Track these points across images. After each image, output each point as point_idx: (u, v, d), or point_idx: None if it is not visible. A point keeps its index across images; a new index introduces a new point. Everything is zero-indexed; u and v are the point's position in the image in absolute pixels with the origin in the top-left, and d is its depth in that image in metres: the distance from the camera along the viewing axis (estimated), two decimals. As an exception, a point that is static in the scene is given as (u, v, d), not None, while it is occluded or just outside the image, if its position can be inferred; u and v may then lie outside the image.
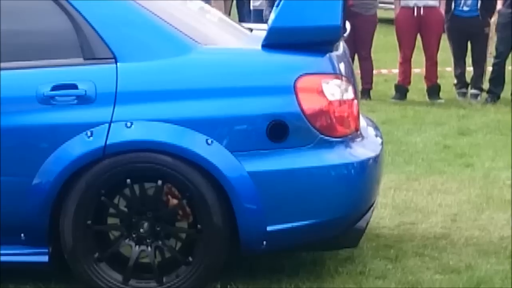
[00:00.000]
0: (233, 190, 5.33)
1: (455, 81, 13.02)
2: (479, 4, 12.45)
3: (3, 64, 5.40)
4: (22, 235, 5.41)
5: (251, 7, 15.17)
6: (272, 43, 5.52)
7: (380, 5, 13.40)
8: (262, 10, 13.64)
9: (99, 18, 5.49)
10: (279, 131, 5.37)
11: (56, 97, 5.34)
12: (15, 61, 5.46)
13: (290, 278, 5.71)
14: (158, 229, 5.47)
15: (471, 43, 12.81)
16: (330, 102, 5.42)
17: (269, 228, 5.38)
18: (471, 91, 12.87)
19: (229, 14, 15.62)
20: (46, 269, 5.53)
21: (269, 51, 5.54)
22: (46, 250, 5.45)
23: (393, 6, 13.21)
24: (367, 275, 5.83)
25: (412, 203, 7.56)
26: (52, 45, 5.51)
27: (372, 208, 5.94)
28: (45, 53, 5.49)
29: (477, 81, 12.85)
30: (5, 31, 5.51)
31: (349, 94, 5.58)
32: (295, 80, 5.38)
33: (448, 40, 12.96)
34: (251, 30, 6.67)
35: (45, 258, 5.45)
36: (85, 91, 5.33)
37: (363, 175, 5.65)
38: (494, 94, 12.60)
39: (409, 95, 12.85)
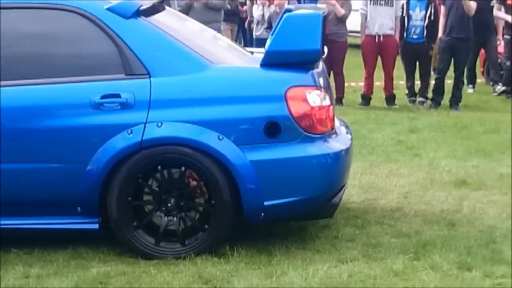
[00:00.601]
0: (239, 174, 5.45)
1: (407, 91, 12.81)
2: (424, 33, 12.48)
3: (65, 79, 5.57)
4: (79, 208, 5.55)
5: (254, 36, 15.12)
6: (268, 62, 5.66)
7: (350, 34, 13.29)
8: (262, 39, 13.62)
9: (136, 43, 5.60)
10: (273, 130, 5.49)
11: (104, 104, 5.48)
12: (74, 76, 5.59)
13: (281, 241, 5.81)
14: (181, 204, 5.58)
15: (419, 62, 12.78)
16: (312, 108, 5.54)
17: (266, 203, 5.50)
18: (419, 99, 12.67)
19: (236, 41, 15.57)
20: (96, 235, 5.66)
21: (266, 69, 5.68)
22: (97, 220, 5.59)
23: (359, 35, 13.14)
24: (340, 239, 5.94)
25: (374, 184, 7.61)
26: (102, 64, 5.63)
27: (344, 188, 6.04)
28: (96, 70, 5.60)
29: (423, 92, 12.68)
30: (66, 53, 5.72)
31: (327, 101, 5.69)
32: (286, 91, 5.50)
33: (401, 60, 12.80)
34: (252, 53, 6.74)
35: (96, 226, 5.59)
36: (127, 99, 5.48)
37: (337, 163, 5.75)
38: (436, 101, 12.46)
39: (372, 102, 12.73)
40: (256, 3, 15.07)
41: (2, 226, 5.61)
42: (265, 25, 13.93)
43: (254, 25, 15.03)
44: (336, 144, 5.83)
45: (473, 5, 12.51)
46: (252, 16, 15.74)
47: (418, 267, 5.36)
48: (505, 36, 13.20)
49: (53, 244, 5.70)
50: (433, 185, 7.63)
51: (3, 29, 5.68)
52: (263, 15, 14.26)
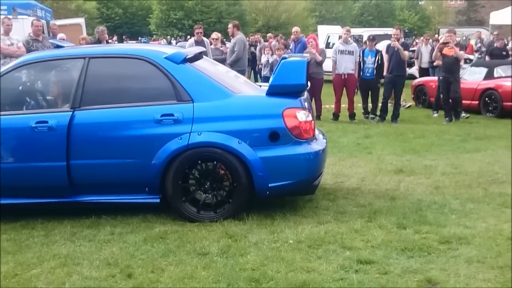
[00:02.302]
0: (252, 166, 5.45)
1: (362, 111, 12.86)
2: (374, 72, 12.40)
3: (137, 104, 5.59)
4: (147, 189, 5.58)
5: (261, 75, 15.16)
6: (272, 92, 5.65)
7: (325, 73, 13.20)
8: (267, 77, 13.65)
9: (184, 80, 5.61)
10: (274, 136, 5.48)
11: (163, 120, 5.49)
12: (143, 102, 5.60)
13: (280, 210, 5.80)
14: (214, 185, 5.59)
15: (370, 91, 12.72)
16: (300, 122, 5.54)
17: (270, 185, 5.50)
18: (371, 115, 12.68)
19: (249, 78, 15.58)
20: (158, 206, 5.65)
21: (270, 96, 5.66)
22: (158, 196, 5.61)
23: (331, 73, 13.06)
24: (319, 208, 5.92)
25: (341, 172, 7.54)
26: (161, 94, 5.61)
27: (321, 174, 6.00)
28: (158, 98, 5.60)
29: (373, 111, 12.65)
30: (138, 87, 5.73)
31: (309, 118, 5.67)
32: (283, 111, 5.50)
33: (359, 90, 12.85)
34: (260, 86, 6.65)
35: (157, 200, 5.61)
36: (178, 117, 5.48)
37: (317, 158, 5.71)
38: (382, 117, 12.42)
39: (339, 118, 12.73)
40: (264, 54, 15.13)
41: (98, 200, 5.68)
42: (269, 68, 13.98)
43: (262, 68, 15.11)
44: (316, 145, 5.78)
45: (406, 53, 12.51)
46: (260, 62, 15.81)
47: (370, 227, 5.35)
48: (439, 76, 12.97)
49: (129, 212, 5.72)
50: (380, 172, 7.56)
51: (99, 71, 5.78)
52: (267, 61, 14.30)
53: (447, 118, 12.41)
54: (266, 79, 13.23)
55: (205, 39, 12.68)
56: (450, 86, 12.36)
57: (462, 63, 13.17)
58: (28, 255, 4.80)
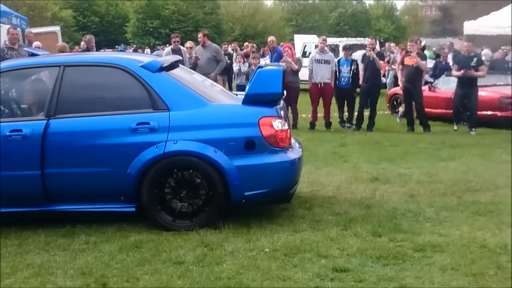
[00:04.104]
0: (228, 174, 5.45)
1: (338, 120, 12.98)
2: (350, 81, 12.55)
3: (113, 112, 5.56)
4: (122, 197, 5.56)
5: (236, 83, 15.17)
6: (248, 101, 5.67)
7: (301, 81, 13.29)
8: (241, 85, 13.72)
9: (160, 89, 5.60)
10: (250, 145, 5.49)
11: (139, 129, 5.47)
12: (119, 110, 5.58)
13: (256, 218, 5.81)
14: (190, 194, 5.57)
15: (346, 101, 12.84)
16: (276, 131, 5.55)
17: (246, 193, 5.51)
18: (347, 124, 12.89)
19: (224, 86, 15.62)
20: (133, 215, 5.62)
21: (246, 105, 5.67)
22: (133, 205, 5.58)
23: (308, 82, 13.14)
24: (295, 216, 5.93)
25: (317, 180, 7.57)
26: (137, 103, 5.60)
27: (297, 183, 6.01)
28: (133, 106, 5.59)
29: (349, 120, 12.79)
30: (114, 95, 5.72)
31: (285, 127, 5.68)
32: (258, 120, 5.52)
33: (335, 99, 12.95)
34: (236, 95, 6.69)
35: (133, 209, 5.59)
36: (153, 125, 5.47)
37: (293, 166, 5.72)
38: (358, 126, 12.55)
39: (316, 127, 12.81)
40: (235, 62, 15.15)
41: (73, 209, 5.65)
42: (244, 77, 13.99)
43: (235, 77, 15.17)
44: (292, 154, 5.80)
45: (382, 63, 12.63)
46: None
47: (346, 235, 5.36)
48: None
49: (104, 221, 5.68)
50: (356, 181, 7.60)
51: (74, 80, 5.76)
52: (239, 69, 14.31)
53: (409, 127, 12.57)
54: (239, 88, 13.21)
55: (182, 47, 12.69)
56: (411, 96, 12.44)
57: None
58: (1, 265, 4.74)
